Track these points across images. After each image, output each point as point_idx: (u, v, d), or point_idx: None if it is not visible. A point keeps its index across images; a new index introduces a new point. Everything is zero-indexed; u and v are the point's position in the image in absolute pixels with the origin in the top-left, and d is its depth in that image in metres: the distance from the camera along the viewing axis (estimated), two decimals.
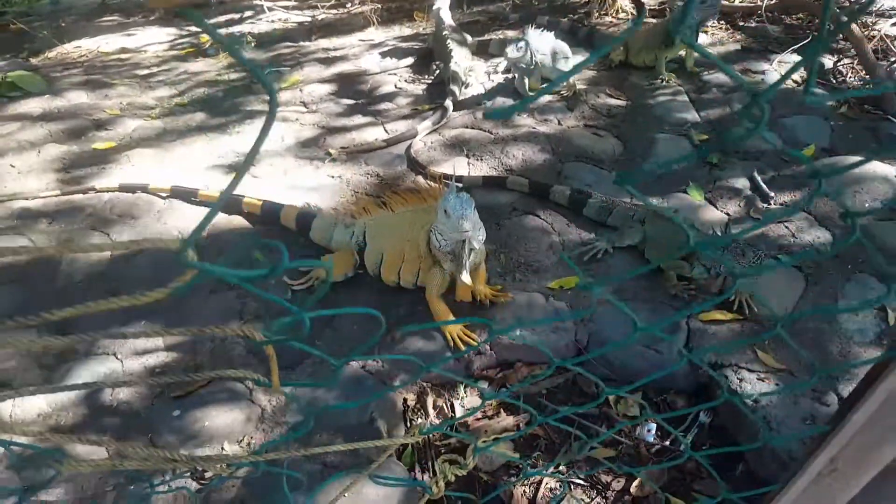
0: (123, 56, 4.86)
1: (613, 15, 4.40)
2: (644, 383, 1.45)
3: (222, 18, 5.54)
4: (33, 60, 4.90)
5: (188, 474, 1.61)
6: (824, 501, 1.02)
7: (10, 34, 5.54)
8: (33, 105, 3.86)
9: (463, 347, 2.04)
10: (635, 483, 1.73)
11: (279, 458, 0.98)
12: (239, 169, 0.45)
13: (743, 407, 1.00)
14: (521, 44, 3.30)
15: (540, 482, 1.76)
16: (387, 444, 1.11)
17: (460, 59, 3.66)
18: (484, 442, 1.75)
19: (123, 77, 4.34)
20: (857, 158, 2.65)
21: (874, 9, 4.02)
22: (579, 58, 3.84)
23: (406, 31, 4.78)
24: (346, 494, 1.21)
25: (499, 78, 3.69)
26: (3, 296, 2.35)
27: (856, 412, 0.87)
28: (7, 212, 2.80)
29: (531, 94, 3.35)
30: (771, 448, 1.68)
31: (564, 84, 3.51)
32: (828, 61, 3.59)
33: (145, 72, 4.46)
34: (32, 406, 1.96)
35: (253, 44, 4.68)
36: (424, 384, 2.03)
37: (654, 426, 1.86)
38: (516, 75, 3.52)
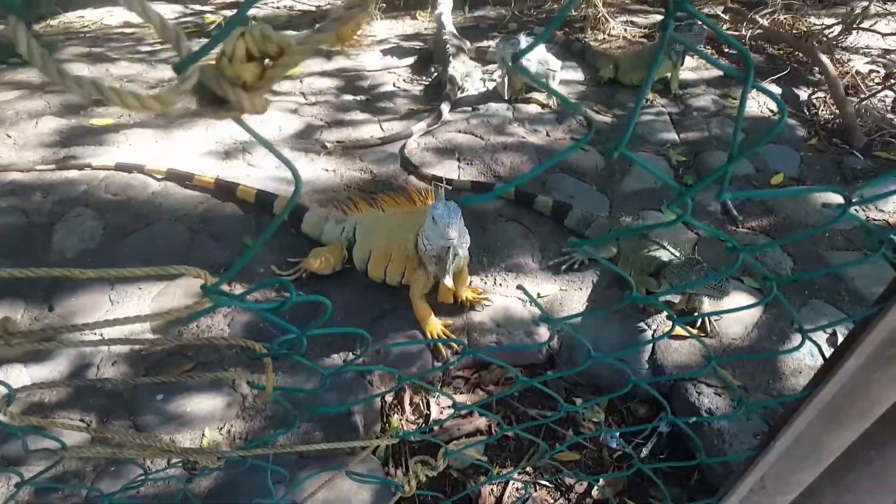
0: (127, 31, 4.80)
1: (607, 33, 4.44)
2: (605, 399, 1.51)
3: (227, 0, 5.49)
4: (35, 27, 4.82)
5: (180, 464, 1.65)
6: None
7: None
8: (32, 74, 3.81)
9: (442, 349, 2.10)
10: (596, 487, 1.80)
11: (266, 454, 1.02)
12: (291, 195, 0.49)
13: (686, 429, 1.06)
14: (514, 40, 3.31)
15: (507, 483, 1.82)
16: (364, 444, 1.16)
17: (458, 64, 3.68)
18: (455, 444, 1.80)
19: (126, 52, 4.29)
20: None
21: (850, 45, 4.11)
22: (571, 73, 3.89)
23: (408, 29, 4.78)
24: (322, 489, 1.26)
25: (493, 84, 3.72)
26: None
27: (777, 440, 0.94)
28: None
29: (508, 95, 3.43)
30: (723, 462, 1.75)
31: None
32: (803, 93, 3.67)
33: (148, 48, 4.41)
34: (15, 382, 1.98)
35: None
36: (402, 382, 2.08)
37: (617, 433, 1.93)
38: (500, 73, 3.55)
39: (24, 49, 0.35)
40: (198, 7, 5.30)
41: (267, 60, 0.41)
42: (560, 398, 1.03)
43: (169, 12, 5.16)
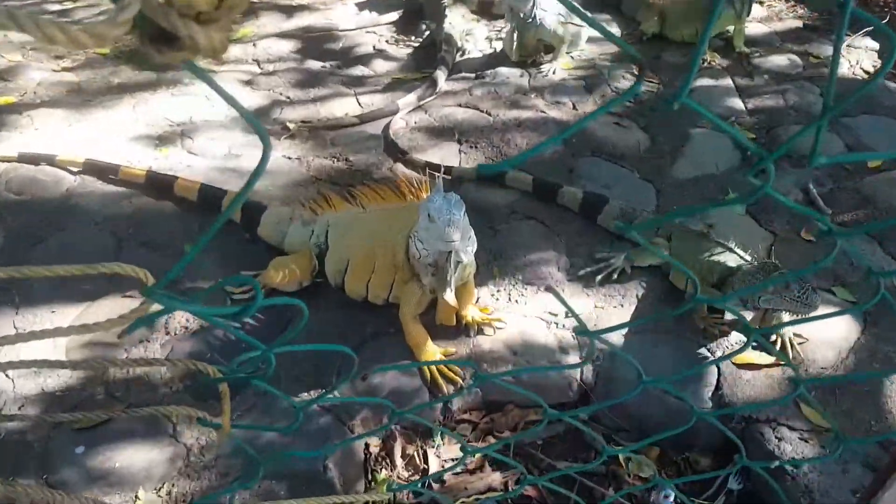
0: None
1: None
2: (657, 440, 1.52)
3: None
4: None
5: None
6: None
7: None
8: None
9: (442, 384, 2.10)
10: None
11: None
12: (253, 171, 0.49)
13: (766, 475, 1.07)
14: None
15: None
16: (345, 500, 1.17)
17: (456, 18, 3.73)
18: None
19: (28, 13, 4.33)
20: None
21: None
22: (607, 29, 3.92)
23: None
24: None
25: (501, 43, 3.76)
26: None
27: (886, 491, 0.95)
28: None
29: (517, 56, 3.46)
30: None
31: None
32: None
33: (56, 6, 4.46)
34: None
35: None
36: (392, 427, 2.08)
37: (672, 493, 1.92)
38: (506, 24, 3.58)
39: None
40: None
41: None
42: (600, 438, 1.03)
43: None
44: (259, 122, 0.48)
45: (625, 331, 2.23)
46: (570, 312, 0.75)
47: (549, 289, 2.40)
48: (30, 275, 0.63)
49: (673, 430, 1.02)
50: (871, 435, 1.96)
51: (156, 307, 0.60)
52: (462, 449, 0.98)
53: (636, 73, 3.68)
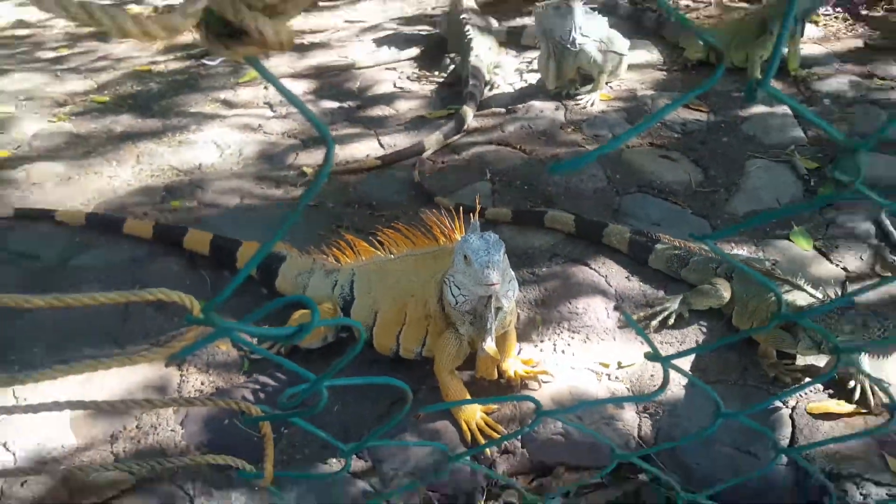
0: (21, 32, 5.03)
1: None
2: (731, 484, 1.52)
3: None
4: None
5: None
6: None
7: None
8: None
9: (483, 441, 2.10)
10: None
11: None
12: (282, 224, 0.53)
13: None
14: (563, 5, 3.43)
15: None
16: None
17: (483, 51, 3.81)
18: None
19: (20, 63, 4.48)
20: None
21: None
22: (642, 54, 4.00)
23: (408, 9, 4.96)
24: None
25: (534, 76, 3.83)
26: None
27: None
28: None
29: (554, 85, 3.51)
30: None
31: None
32: None
33: (51, 55, 4.61)
34: None
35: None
36: (430, 493, 2.08)
37: None
38: (541, 51, 3.63)
39: None
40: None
41: None
42: (674, 481, 1.04)
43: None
44: (318, 120, 0.51)
45: (685, 381, 2.23)
46: (638, 332, 0.77)
47: (617, 308, 2.42)
48: (71, 303, 0.67)
49: (755, 474, 1.03)
50: None
51: (204, 330, 0.63)
52: (521, 499, 0.99)
53: (701, 59, 3.76)
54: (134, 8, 5.26)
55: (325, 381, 0.70)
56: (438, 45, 4.21)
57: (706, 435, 0.91)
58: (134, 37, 0.42)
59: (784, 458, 2.05)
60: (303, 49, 4.38)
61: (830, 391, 2.21)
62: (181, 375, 2.36)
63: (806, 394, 2.20)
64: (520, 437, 2.14)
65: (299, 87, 3.96)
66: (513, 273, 2.03)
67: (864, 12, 4.27)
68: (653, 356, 0.74)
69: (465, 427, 2.12)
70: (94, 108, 3.87)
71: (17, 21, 5.20)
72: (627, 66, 3.74)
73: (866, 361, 2.14)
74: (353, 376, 2.29)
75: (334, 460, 2.08)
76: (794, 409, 2.17)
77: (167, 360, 2.17)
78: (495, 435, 2.12)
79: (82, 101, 3.95)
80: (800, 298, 2.23)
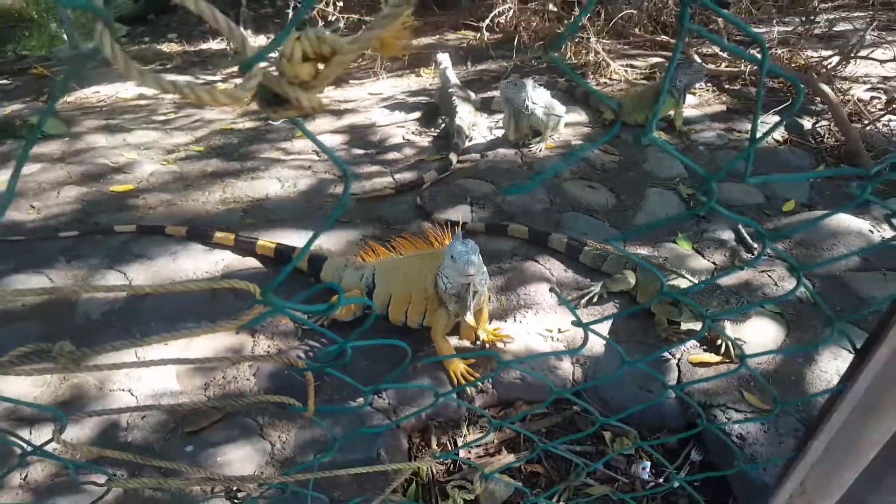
0: (141, 102, 5.01)
1: (608, 77, 4.58)
2: (632, 412, 1.52)
3: (236, 69, 5.72)
4: (53, 104, 5.02)
5: (223, 494, 1.66)
6: None
7: (31, 77, 5.70)
8: (53, 147, 3.97)
9: (467, 388, 2.11)
10: None
11: (307, 478, 1.04)
12: (312, 236, 0.54)
13: (721, 434, 1.07)
14: (519, 83, 3.45)
15: None
16: (403, 467, 1.18)
17: (464, 114, 3.81)
18: (489, 470, 1.80)
19: (141, 123, 4.47)
20: (816, 214, 2.78)
21: (849, 74, 4.22)
22: (574, 116, 4.01)
23: (413, 85, 4.96)
24: None
25: (500, 132, 3.83)
26: (27, 330, 2.41)
27: (814, 440, 0.95)
28: (27, 249, 2.88)
29: (514, 137, 3.52)
30: (759, 486, 1.74)
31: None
32: (807, 123, 3.76)
33: (162, 118, 4.60)
34: (47, 434, 2.00)
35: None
36: (429, 422, 2.08)
37: (648, 464, 1.91)
38: (504, 114, 3.64)
39: (108, 52, 0.40)
40: (208, 77, 5.53)
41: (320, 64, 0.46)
42: (594, 410, 1.05)
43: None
44: (342, 161, 0.51)
45: (604, 342, 2.24)
46: (566, 304, 0.78)
47: (551, 290, 2.42)
48: (170, 290, 0.67)
49: (651, 403, 1.03)
50: (799, 417, 1.94)
51: (262, 309, 0.64)
52: (489, 422, 0.99)
53: (613, 119, 3.77)
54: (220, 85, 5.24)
55: (350, 342, 0.70)
56: (434, 111, 4.22)
57: (616, 378, 0.91)
58: (207, 103, 0.43)
59: (672, 394, 2.07)
60: (339, 113, 4.38)
61: (705, 347, 2.22)
62: (253, 341, 2.35)
63: (688, 349, 2.21)
64: (490, 380, 2.15)
65: (337, 140, 3.96)
66: (485, 268, 2.04)
67: (726, 86, 4.28)
68: (576, 323, 0.75)
69: (452, 375, 2.14)
70: (192, 155, 3.86)
71: (139, 95, 5.18)
72: (564, 124, 3.74)
73: (728, 326, 2.15)
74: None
75: (361, 400, 2.08)
76: (679, 360, 2.18)
77: (238, 329, 2.19)
78: (472, 379, 2.13)
79: (184, 150, 3.94)
80: (682, 283, 2.24)
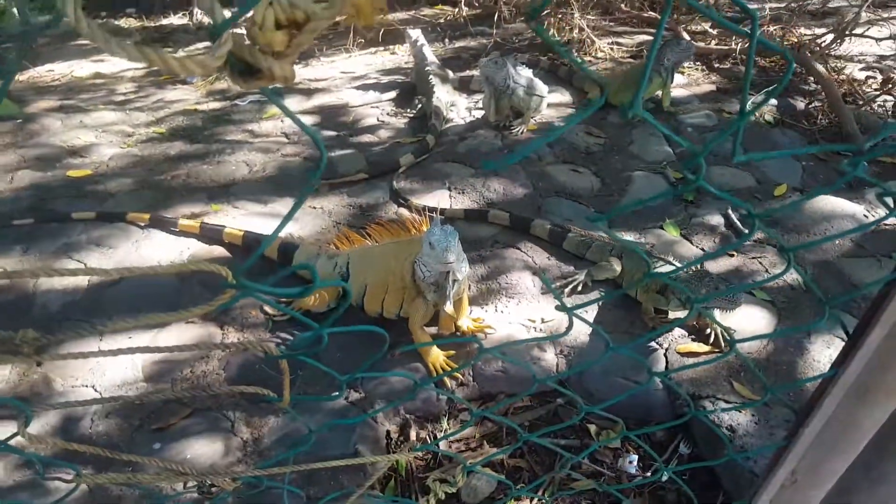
0: (98, 81, 4.92)
1: (592, 55, 4.60)
2: (620, 400, 1.54)
3: (200, 45, 5.64)
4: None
5: (195, 490, 1.66)
6: None
7: None
8: (4, 129, 3.89)
9: (447, 378, 2.11)
10: None
11: (283, 472, 1.04)
12: (282, 219, 0.54)
13: (710, 424, 1.09)
14: (500, 61, 3.45)
15: None
16: (380, 460, 1.19)
17: (442, 94, 3.80)
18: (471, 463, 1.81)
19: (99, 103, 4.40)
20: (797, 199, 2.83)
21: (844, 53, 4.28)
22: (557, 96, 4.02)
23: (388, 63, 4.93)
24: None
25: (480, 112, 3.83)
26: None
27: (805, 427, 0.97)
28: None
29: (493, 118, 3.53)
30: (749, 478, 1.77)
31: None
32: (800, 104, 3.81)
33: (121, 98, 4.53)
34: (7, 432, 1.97)
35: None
36: (408, 416, 2.09)
37: (635, 458, 1.94)
38: (484, 94, 3.64)
39: (71, 16, 0.40)
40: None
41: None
42: (578, 399, 1.06)
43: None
44: (317, 134, 0.51)
45: (590, 329, 2.26)
46: (550, 289, 0.78)
47: (535, 272, 2.44)
48: (137, 273, 0.66)
49: (637, 389, 1.04)
50: (790, 405, 1.98)
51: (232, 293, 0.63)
52: (470, 412, 1.00)
53: (600, 88, 3.79)
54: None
55: (326, 328, 0.70)
56: (410, 90, 4.20)
57: (599, 362, 0.92)
58: (177, 71, 0.42)
59: (660, 385, 2.09)
60: (308, 93, 4.34)
61: (693, 337, 2.25)
62: (223, 333, 2.34)
63: (676, 338, 2.24)
64: (471, 372, 2.16)
65: (306, 121, 3.92)
66: (465, 255, 2.04)
67: (716, 65, 4.32)
68: (561, 308, 0.75)
69: (431, 367, 2.15)
70: (154, 138, 3.80)
71: (95, 73, 5.09)
72: (547, 105, 3.74)
73: (718, 314, 2.18)
74: (354, 332, 2.29)
75: (336, 393, 2.08)
76: (667, 349, 2.21)
77: (207, 318, 2.18)
78: (453, 372, 2.14)
79: (145, 132, 3.88)
80: (669, 269, 2.27)
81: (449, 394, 2.07)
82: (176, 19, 6.57)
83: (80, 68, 5.23)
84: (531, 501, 1.85)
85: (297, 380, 2.15)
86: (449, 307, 2.05)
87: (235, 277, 0.59)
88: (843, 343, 0.91)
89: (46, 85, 4.89)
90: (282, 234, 2.68)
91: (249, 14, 0.44)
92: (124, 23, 6.56)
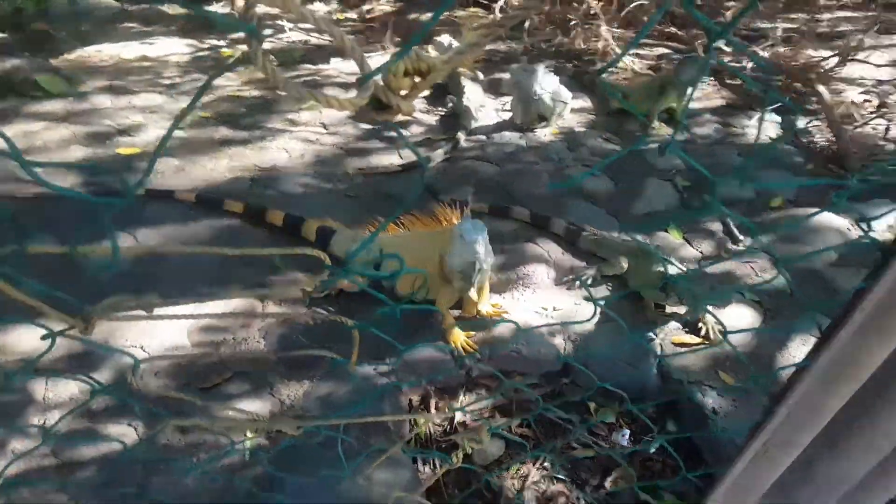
0: (145, 64, 5.11)
1: (615, 66, 4.77)
2: (623, 380, 1.74)
3: (242, 35, 5.82)
4: (53, 62, 5.06)
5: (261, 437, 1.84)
6: (759, 477, 1.32)
7: (30, 33, 5.73)
8: (57, 106, 4.06)
9: (465, 355, 2.32)
10: (609, 479, 2.03)
11: (339, 423, 1.24)
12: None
13: (698, 400, 1.29)
14: (529, 68, 3.66)
15: (526, 476, 2.04)
16: (419, 417, 1.39)
17: (472, 95, 4.00)
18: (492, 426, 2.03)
19: (146, 85, 4.59)
20: (801, 211, 3.01)
21: (846, 76, 4.45)
22: (580, 102, 4.20)
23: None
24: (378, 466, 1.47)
25: (507, 115, 4.02)
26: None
27: (781, 406, 1.17)
28: (31, 207, 3.03)
29: (521, 121, 3.71)
30: (729, 451, 1.98)
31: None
32: (801, 122, 3.98)
33: (167, 81, 4.72)
34: (65, 390, 2.16)
35: (276, 63, 4.97)
36: (429, 388, 2.30)
37: (628, 432, 2.15)
38: (513, 98, 3.83)
39: (259, 64, 0.60)
40: (214, 41, 5.63)
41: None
42: (588, 374, 1.26)
43: (184, 47, 5.47)
44: (413, 146, 0.71)
45: (597, 319, 2.46)
46: (585, 288, 0.99)
47: (576, 279, 2.63)
48: (228, 253, 0.83)
49: (630, 374, 1.24)
50: (768, 396, 2.18)
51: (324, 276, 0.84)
52: (501, 383, 1.20)
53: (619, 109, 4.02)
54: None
55: (400, 306, 0.88)
56: (442, 89, 4.34)
57: (611, 356, 1.12)
58: (335, 108, 0.62)
59: (654, 370, 2.30)
60: (346, 86, 4.52)
61: (686, 329, 2.45)
62: (262, 307, 2.53)
63: (671, 330, 2.44)
64: (488, 352, 2.35)
65: (345, 114, 4.06)
66: (491, 247, 2.23)
67: (727, 81, 4.49)
68: (589, 298, 0.95)
69: (453, 345, 2.34)
70: (199, 122, 3.99)
71: (142, 56, 5.27)
72: (570, 111, 3.93)
73: (711, 310, 2.38)
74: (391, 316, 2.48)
75: (393, 359, 2.28)
76: (662, 341, 2.41)
77: (307, 293, 2.36)
78: (471, 350, 2.34)
79: (191, 116, 4.07)
80: (672, 270, 2.46)
81: (476, 363, 2.26)
82: (219, 7, 6.76)
83: (127, 51, 5.41)
84: (535, 463, 2.07)
85: (332, 351, 2.34)
86: (473, 293, 2.25)
87: (347, 260, 0.79)
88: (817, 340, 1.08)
89: (95, 65, 5.07)
90: (319, 221, 2.84)
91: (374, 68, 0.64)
92: (168, 8, 6.75)
